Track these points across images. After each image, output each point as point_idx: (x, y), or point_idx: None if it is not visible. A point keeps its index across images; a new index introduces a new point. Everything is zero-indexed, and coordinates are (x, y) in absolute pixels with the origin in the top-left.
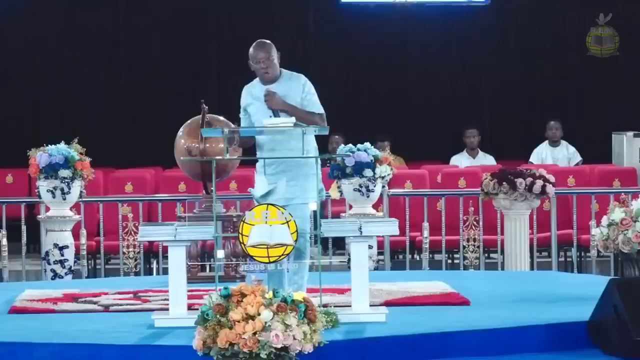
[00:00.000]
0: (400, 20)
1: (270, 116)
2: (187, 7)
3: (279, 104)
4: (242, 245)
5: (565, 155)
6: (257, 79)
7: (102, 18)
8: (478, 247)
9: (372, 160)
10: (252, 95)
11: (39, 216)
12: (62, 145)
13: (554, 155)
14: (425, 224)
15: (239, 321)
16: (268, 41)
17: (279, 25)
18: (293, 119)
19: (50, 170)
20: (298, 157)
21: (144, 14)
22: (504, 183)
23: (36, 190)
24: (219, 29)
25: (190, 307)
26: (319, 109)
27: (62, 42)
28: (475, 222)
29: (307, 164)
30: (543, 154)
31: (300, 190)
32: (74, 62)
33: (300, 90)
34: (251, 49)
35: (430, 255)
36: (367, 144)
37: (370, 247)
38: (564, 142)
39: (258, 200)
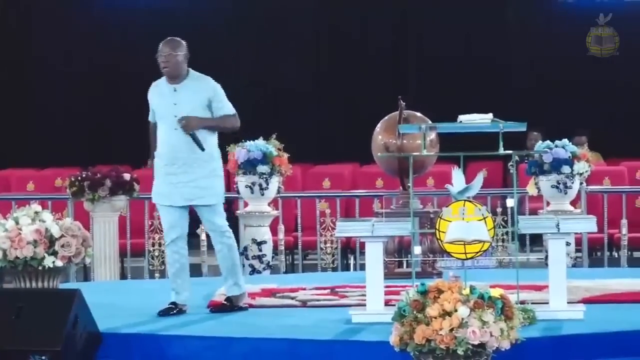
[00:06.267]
0: None
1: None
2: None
3: (195, 126)
4: (439, 241)
5: None
6: (163, 78)
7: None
8: None
9: (569, 157)
10: (155, 96)
11: (238, 211)
12: (260, 141)
13: None
14: (624, 221)
15: (435, 317)
16: (178, 39)
17: None
18: (490, 115)
19: (249, 166)
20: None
21: None
22: None
23: (234, 186)
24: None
25: (387, 303)
26: (230, 110)
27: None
28: None
29: (211, 163)
30: None
31: (202, 191)
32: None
33: (206, 92)
34: (161, 43)
35: (629, 253)
36: (565, 141)
37: (567, 244)
38: None
39: (456, 197)
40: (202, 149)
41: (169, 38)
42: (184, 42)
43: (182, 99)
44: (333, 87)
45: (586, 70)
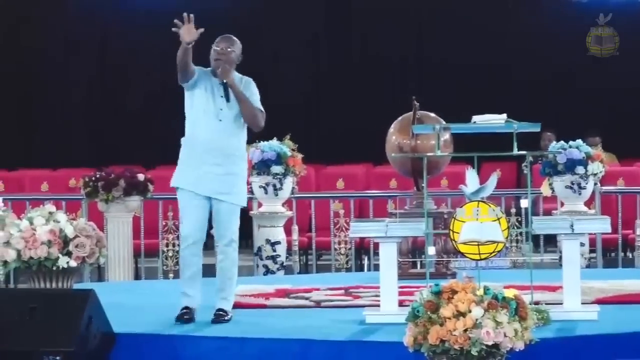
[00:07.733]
0: None
1: (221, 96)
2: None
3: (230, 78)
4: (453, 242)
5: None
6: (210, 69)
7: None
8: None
9: (584, 158)
10: (203, 78)
11: (252, 212)
12: (274, 142)
13: None
14: (638, 222)
15: (449, 318)
16: (236, 38)
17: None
18: (504, 116)
19: (263, 167)
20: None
21: None
22: None
23: (248, 187)
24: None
25: (401, 304)
26: (260, 106)
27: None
28: None
29: (244, 162)
30: None
31: (231, 187)
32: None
33: (248, 90)
34: (218, 38)
35: None
36: (579, 141)
37: (581, 244)
38: None
39: (469, 197)
40: (228, 100)
41: (226, 35)
42: (240, 43)
43: (229, 95)
44: (344, 86)
45: (586, 70)
